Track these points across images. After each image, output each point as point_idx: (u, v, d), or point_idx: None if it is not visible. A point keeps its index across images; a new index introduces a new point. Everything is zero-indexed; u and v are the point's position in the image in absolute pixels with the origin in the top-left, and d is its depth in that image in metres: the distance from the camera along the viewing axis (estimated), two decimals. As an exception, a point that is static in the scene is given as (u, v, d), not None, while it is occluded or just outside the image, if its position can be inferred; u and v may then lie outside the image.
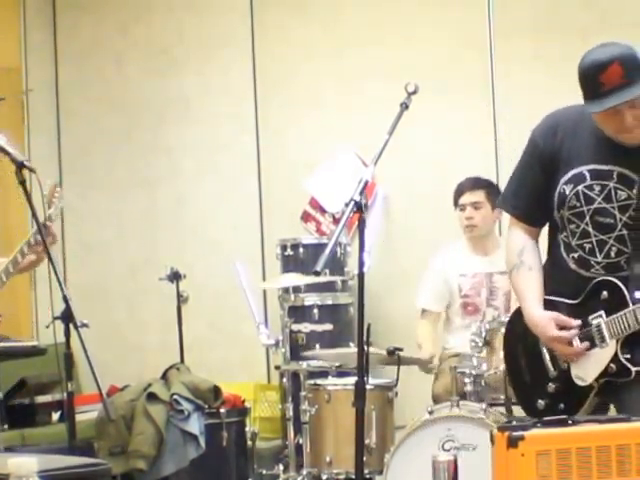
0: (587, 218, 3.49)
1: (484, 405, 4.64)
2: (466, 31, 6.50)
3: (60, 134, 7.41)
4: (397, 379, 4.89)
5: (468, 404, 4.71)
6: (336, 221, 6.66)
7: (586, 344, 3.48)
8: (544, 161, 3.58)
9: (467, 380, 4.80)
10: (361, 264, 3.53)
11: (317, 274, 3.44)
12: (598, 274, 3.49)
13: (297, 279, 5.79)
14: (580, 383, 3.53)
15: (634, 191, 3.43)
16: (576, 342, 3.50)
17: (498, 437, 2.88)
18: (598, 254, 3.49)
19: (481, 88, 6.46)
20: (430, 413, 4.69)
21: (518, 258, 3.65)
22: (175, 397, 5.66)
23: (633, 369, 3.40)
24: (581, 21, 6.18)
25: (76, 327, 3.52)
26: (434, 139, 6.57)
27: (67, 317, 3.60)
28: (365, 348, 3.58)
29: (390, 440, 4.98)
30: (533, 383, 3.67)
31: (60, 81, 7.44)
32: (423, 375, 5.34)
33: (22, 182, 3.55)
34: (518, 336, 3.73)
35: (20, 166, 3.58)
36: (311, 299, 6.26)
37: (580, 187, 3.49)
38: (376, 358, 4.81)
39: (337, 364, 5.31)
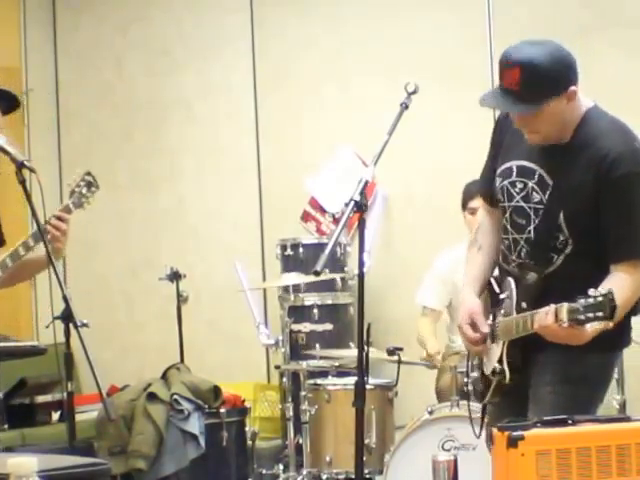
0: (507, 214, 3.40)
1: (484, 405, 4.64)
2: (466, 31, 6.50)
3: (60, 134, 7.41)
4: (397, 379, 4.89)
5: (468, 404, 4.70)
6: (336, 221, 6.66)
7: (482, 345, 3.41)
8: (494, 149, 3.52)
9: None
10: (361, 264, 3.53)
11: (317, 274, 3.43)
12: (514, 271, 3.39)
13: (297, 278, 5.79)
14: (486, 372, 3.46)
15: (546, 196, 3.29)
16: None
17: (498, 437, 2.87)
18: (513, 252, 3.38)
19: (481, 88, 6.42)
20: (430, 413, 4.69)
21: (474, 236, 3.62)
22: (175, 397, 5.66)
23: (507, 375, 3.30)
24: (581, 20, 6.18)
25: (76, 327, 3.51)
26: (434, 139, 6.57)
27: (67, 317, 3.59)
28: (365, 348, 3.57)
29: (390, 440, 4.98)
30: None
31: (60, 81, 7.44)
32: (423, 375, 5.34)
33: (22, 182, 3.55)
34: None
35: (20, 166, 3.58)
36: (311, 299, 6.26)
37: (505, 182, 3.39)
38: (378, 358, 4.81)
39: (337, 364, 5.31)
